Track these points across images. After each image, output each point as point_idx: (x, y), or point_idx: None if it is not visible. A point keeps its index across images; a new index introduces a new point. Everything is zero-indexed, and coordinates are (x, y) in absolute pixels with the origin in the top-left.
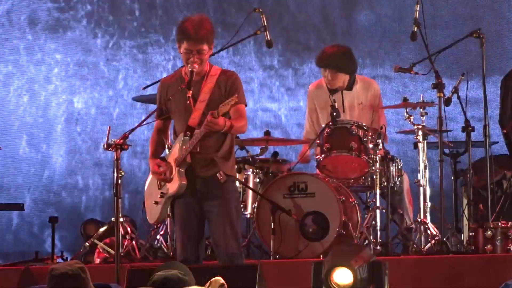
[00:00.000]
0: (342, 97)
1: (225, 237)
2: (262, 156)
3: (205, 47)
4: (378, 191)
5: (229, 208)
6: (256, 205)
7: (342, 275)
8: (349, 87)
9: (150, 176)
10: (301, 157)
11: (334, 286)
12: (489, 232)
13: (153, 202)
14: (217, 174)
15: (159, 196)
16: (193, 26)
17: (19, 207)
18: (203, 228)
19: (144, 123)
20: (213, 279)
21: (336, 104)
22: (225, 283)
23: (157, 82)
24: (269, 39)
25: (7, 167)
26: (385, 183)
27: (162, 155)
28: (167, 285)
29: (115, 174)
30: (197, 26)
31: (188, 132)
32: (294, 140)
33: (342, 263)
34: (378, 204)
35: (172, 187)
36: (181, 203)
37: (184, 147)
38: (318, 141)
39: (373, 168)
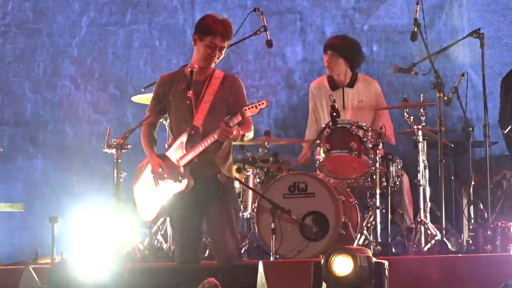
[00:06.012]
0: (343, 94)
1: (223, 238)
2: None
3: (226, 45)
4: (378, 191)
5: (228, 209)
6: (256, 205)
7: (342, 263)
8: (351, 84)
9: (144, 172)
10: (301, 158)
11: (334, 275)
12: (489, 232)
13: (150, 200)
14: (218, 175)
15: (157, 194)
16: (222, 22)
17: (19, 207)
18: (202, 229)
19: (144, 123)
20: (205, 280)
21: (336, 103)
22: (218, 284)
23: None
24: (268, 39)
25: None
26: (385, 183)
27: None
28: None
29: (115, 174)
30: (226, 24)
31: (193, 132)
32: (294, 139)
33: (343, 250)
34: (378, 204)
35: (176, 187)
36: (181, 203)
37: (189, 148)
38: (318, 141)
39: (373, 168)
